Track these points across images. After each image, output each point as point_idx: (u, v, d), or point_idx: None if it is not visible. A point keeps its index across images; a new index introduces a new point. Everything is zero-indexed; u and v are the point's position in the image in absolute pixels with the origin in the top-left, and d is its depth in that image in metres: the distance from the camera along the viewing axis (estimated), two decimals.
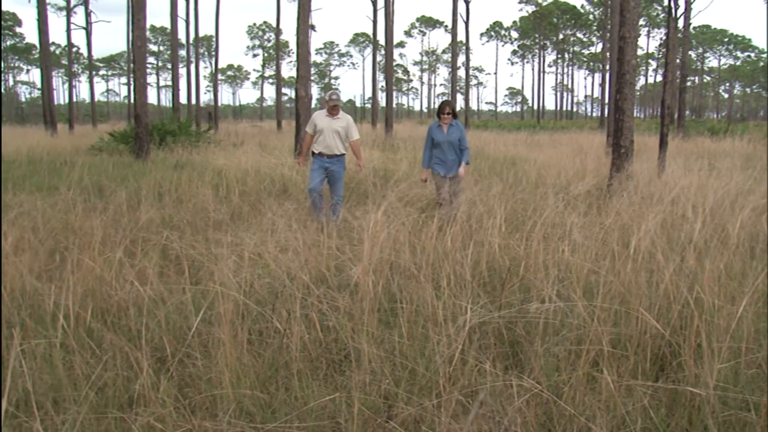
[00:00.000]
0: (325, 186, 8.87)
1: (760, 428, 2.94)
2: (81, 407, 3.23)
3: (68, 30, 40.67)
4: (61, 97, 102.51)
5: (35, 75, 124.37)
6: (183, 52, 46.90)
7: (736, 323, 3.71)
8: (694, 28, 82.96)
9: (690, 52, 75.72)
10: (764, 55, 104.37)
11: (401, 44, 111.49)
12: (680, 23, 38.43)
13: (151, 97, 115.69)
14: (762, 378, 3.47)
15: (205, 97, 69.36)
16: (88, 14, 44.28)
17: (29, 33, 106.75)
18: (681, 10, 38.65)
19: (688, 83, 55.88)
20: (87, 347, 3.81)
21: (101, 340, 3.94)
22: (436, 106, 10.56)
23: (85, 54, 61.46)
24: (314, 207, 8.56)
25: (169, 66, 56.28)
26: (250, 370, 3.52)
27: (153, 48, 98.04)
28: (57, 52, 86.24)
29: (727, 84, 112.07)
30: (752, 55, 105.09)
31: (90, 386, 3.37)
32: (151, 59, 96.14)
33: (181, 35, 42.79)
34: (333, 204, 8.70)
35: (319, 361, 3.88)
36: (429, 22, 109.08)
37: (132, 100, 35.40)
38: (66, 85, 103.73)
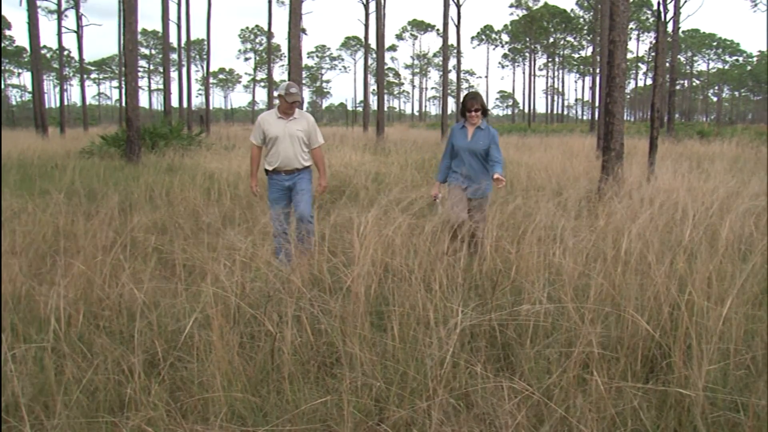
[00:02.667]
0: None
1: (749, 428, 2.96)
2: (71, 411, 3.22)
3: (59, 33, 40.54)
4: (52, 100, 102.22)
5: (26, 78, 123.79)
6: (174, 56, 46.85)
7: (725, 325, 3.74)
8: (683, 32, 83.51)
9: (679, 56, 76.08)
10: (752, 59, 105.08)
11: (393, 48, 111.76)
12: (669, 27, 38.66)
13: (143, 101, 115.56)
14: (751, 379, 3.50)
15: (197, 101, 69.38)
16: (79, 17, 44.17)
17: (20, 36, 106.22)
18: (670, 15, 38.87)
19: (678, 87, 56.17)
20: (78, 351, 3.80)
21: (92, 344, 3.93)
22: (463, 99, 6.34)
23: (77, 57, 61.31)
24: (278, 250, 6.25)
25: (161, 69, 56.18)
26: (241, 374, 3.52)
27: (144, 51, 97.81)
28: (48, 55, 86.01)
29: (716, 87, 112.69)
30: (740, 59, 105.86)
31: (81, 390, 3.37)
32: (142, 63, 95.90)
33: (173, 39, 42.90)
34: (300, 234, 6.34)
35: (310, 364, 3.89)
36: (420, 26, 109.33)
37: (123, 104, 35.31)
38: (57, 89, 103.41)
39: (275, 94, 6.54)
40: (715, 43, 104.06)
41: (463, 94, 35.54)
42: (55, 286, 4.34)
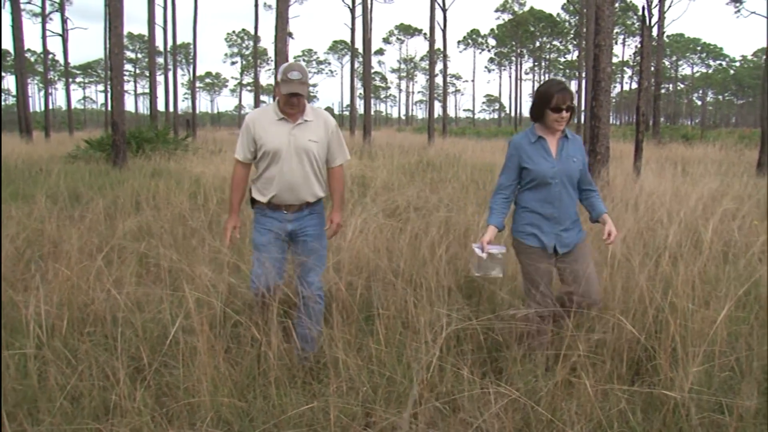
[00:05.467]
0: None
1: (733, 429, 2.99)
2: (55, 418, 3.19)
3: (44, 37, 40.29)
4: (36, 104, 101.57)
5: (10, 82, 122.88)
6: (161, 60, 46.76)
7: (710, 327, 3.77)
8: (668, 36, 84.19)
9: (664, 60, 76.67)
10: (735, 64, 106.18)
11: (380, 51, 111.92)
12: (654, 32, 38.98)
13: (129, 105, 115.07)
14: (735, 380, 3.53)
15: (183, 105, 69.19)
16: (64, 21, 43.90)
17: (3, 39, 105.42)
18: (655, 19, 39.23)
19: (663, 90, 56.64)
20: (62, 357, 3.77)
21: (77, 350, 3.90)
22: (544, 91, 3.90)
23: (62, 61, 60.98)
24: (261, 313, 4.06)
25: (147, 73, 56.00)
26: (227, 379, 3.50)
27: (130, 55, 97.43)
28: (32, 59, 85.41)
29: (700, 91, 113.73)
30: (723, 63, 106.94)
31: (65, 397, 3.34)
32: (128, 66, 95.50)
33: (159, 42, 42.69)
34: (309, 310, 4.20)
35: (296, 369, 3.88)
36: (407, 30, 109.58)
37: (109, 108, 35.18)
38: (42, 93, 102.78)
39: (278, 78, 4.03)
40: (699, 48, 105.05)
41: (449, 98, 35.46)
42: (37, 292, 4.31)
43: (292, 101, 3.99)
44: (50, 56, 78.08)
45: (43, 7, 41.12)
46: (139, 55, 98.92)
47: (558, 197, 3.91)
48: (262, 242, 4.17)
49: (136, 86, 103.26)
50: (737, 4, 64.43)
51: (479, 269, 3.98)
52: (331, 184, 4.38)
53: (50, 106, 43.48)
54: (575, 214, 4.03)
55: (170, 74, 43.38)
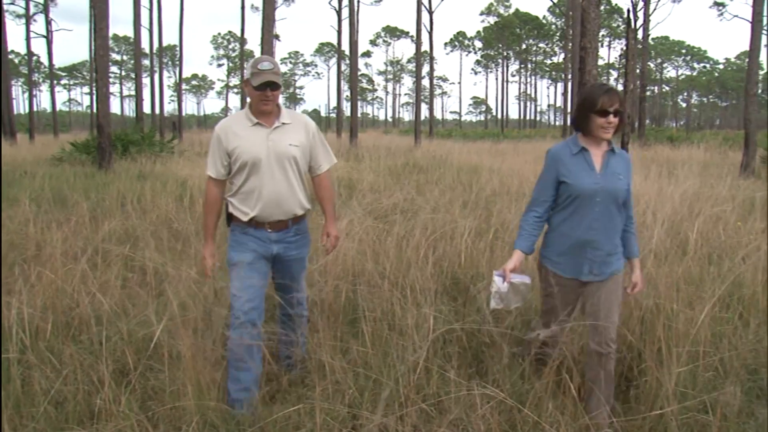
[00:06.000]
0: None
1: (717, 429, 3.01)
2: (39, 423, 3.17)
3: (27, 38, 39.99)
4: (21, 106, 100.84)
5: None
6: (147, 62, 46.41)
7: (694, 327, 3.80)
8: (653, 39, 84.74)
9: (649, 63, 77.32)
10: (719, 66, 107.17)
11: (367, 54, 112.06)
12: (639, 34, 39.26)
13: (115, 107, 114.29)
14: (719, 380, 3.56)
15: (170, 107, 68.93)
16: (48, 22, 43.62)
17: None
18: (640, 22, 39.52)
19: (648, 93, 57.04)
20: (47, 361, 3.75)
21: (61, 354, 3.87)
22: (587, 94, 3.38)
23: (46, 63, 60.53)
24: (242, 353, 3.53)
25: (133, 75, 55.69)
26: (213, 382, 3.49)
27: (116, 57, 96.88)
28: (16, 60, 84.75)
29: (685, 93, 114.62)
30: (707, 66, 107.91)
31: (49, 401, 3.32)
32: (114, 68, 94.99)
33: (145, 44, 42.44)
34: (295, 326, 3.98)
35: (283, 371, 3.88)
36: (394, 32, 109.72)
37: (95, 110, 34.95)
38: (26, 95, 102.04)
39: (247, 75, 3.61)
40: (683, 51, 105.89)
41: (436, 100, 35.48)
42: (20, 296, 4.27)
43: (267, 94, 3.51)
44: (34, 58, 77.53)
45: (27, 8, 40.86)
46: (125, 57, 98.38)
47: (599, 219, 3.34)
48: (241, 260, 3.60)
49: (121, 88, 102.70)
50: (720, 8, 65.18)
51: (499, 302, 3.43)
52: (319, 193, 3.94)
53: (35, 108, 43.12)
54: (618, 242, 3.46)
55: (156, 76, 43.17)
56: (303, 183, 3.77)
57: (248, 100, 3.70)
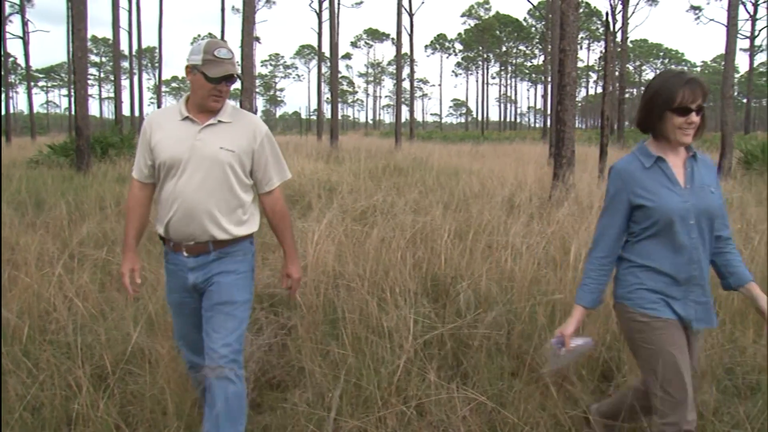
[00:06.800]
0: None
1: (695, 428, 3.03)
2: (14, 430, 3.13)
3: (3, 39, 39.53)
4: None
5: None
6: (126, 64, 46.11)
7: None
8: (632, 41, 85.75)
9: (628, 65, 78.06)
10: (696, 69, 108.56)
11: (347, 56, 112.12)
12: (618, 37, 39.62)
13: (93, 109, 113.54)
14: (695, 378, 3.58)
15: (149, 109, 68.36)
16: (24, 23, 43.17)
17: None
18: (619, 25, 39.89)
19: (627, 95, 57.62)
20: (23, 366, 3.70)
21: (38, 359, 3.83)
22: (660, 85, 2.53)
23: (23, 64, 59.88)
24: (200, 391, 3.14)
25: (112, 77, 55.29)
26: (189, 391, 3.46)
27: (95, 59, 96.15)
28: None
29: None
30: (685, 68, 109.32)
31: (24, 407, 3.27)
32: (92, 70, 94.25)
33: (124, 46, 42.23)
34: (212, 397, 2.76)
35: (260, 377, 3.86)
36: (375, 35, 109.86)
37: (73, 112, 34.62)
38: (2, 97, 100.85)
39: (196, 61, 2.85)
40: (661, 53, 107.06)
41: (417, 102, 35.53)
42: None
43: (221, 89, 2.85)
44: (11, 59, 76.62)
45: (2, 9, 40.37)
46: (104, 59, 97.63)
47: (695, 248, 2.54)
48: (175, 301, 3.06)
49: (100, 90, 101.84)
50: (697, 12, 66.06)
51: (554, 363, 2.79)
52: (270, 218, 3.08)
53: (11, 110, 42.64)
54: (706, 274, 2.62)
55: (135, 78, 42.91)
56: (235, 201, 2.92)
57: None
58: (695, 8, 68.58)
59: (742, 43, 53.57)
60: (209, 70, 2.80)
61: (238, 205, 2.94)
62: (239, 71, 2.91)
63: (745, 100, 56.96)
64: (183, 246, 2.92)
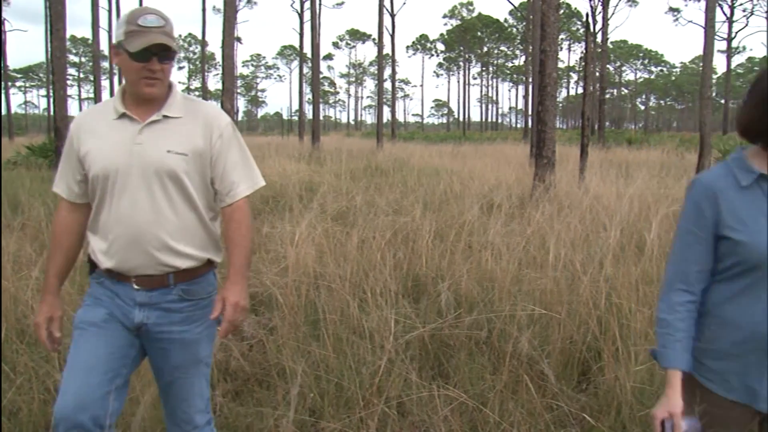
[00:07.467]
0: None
1: None
2: None
3: None
4: None
5: None
6: (106, 64, 45.78)
7: (651, 327, 3.86)
8: (612, 42, 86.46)
9: (608, 66, 78.65)
10: (675, 70, 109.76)
11: (329, 56, 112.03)
12: (599, 38, 39.89)
13: (73, 110, 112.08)
14: None
15: None
16: (1, 22, 42.67)
17: None
18: (599, 26, 40.17)
19: (607, 95, 58.07)
20: None
21: (15, 363, 3.78)
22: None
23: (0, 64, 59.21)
24: None
25: (91, 77, 54.81)
26: None
27: (74, 59, 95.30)
28: None
29: (643, 96, 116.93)
30: (664, 69, 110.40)
31: (2, 412, 3.23)
32: (72, 70, 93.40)
33: (104, 46, 41.87)
34: None
35: (241, 377, 3.84)
36: (357, 35, 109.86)
37: (52, 113, 34.33)
38: None
39: (119, 37, 2.18)
40: (641, 54, 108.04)
41: (398, 102, 35.56)
42: None
43: (153, 67, 2.14)
44: None
45: None
46: (83, 59, 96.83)
47: None
48: (86, 319, 2.25)
49: (80, 91, 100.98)
50: (675, 13, 66.83)
51: None
52: (227, 231, 2.30)
53: None
54: None
55: (115, 79, 42.56)
56: (199, 218, 2.28)
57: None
58: (674, 10, 69.61)
59: (720, 45, 54.27)
60: (130, 44, 2.11)
61: (199, 224, 2.28)
62: (174, 44, 2.17)
63: (723, 101, 57.59)
64: (133, 278, 2.22)
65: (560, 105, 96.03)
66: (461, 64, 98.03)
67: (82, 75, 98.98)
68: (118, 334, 2.24)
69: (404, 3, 44.44)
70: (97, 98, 35.33)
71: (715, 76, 58.11)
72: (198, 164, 2.24)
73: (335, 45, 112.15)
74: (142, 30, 2.10)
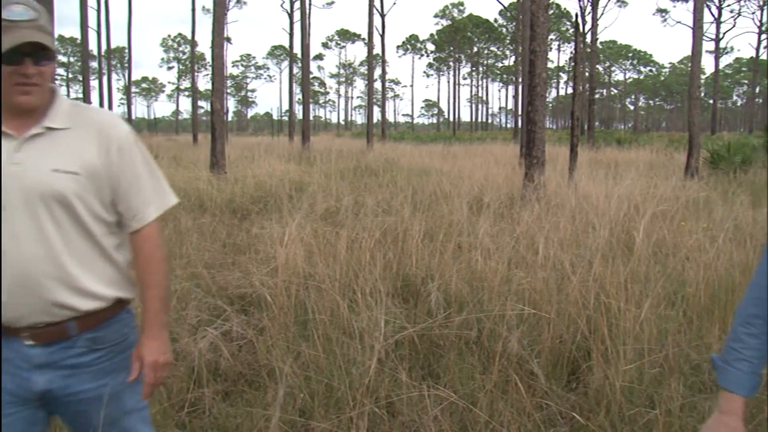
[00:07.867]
0: None
1: (662, 423, 3.07)
2: None
3: None
4: None
5: None
6: (94, 64, 45.52)
7: (640, 326, 3.88)
8: (601, 43, 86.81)
9: (598, 66, 79.02)
10: (664, 70, 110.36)
11: (319, 56, 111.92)
12: (588, 38, 40.02)
13: None
14: (663, 376, 3.63)
15: (119, 110, 67.62)
16: None
17: None
18: (588, 26, 40.30)
19: (597, 95, 58.27)
20: None
21: None
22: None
23: None
24: None
25: (80, 78, 54.51)
26: (160, 392, 3.42)
27: (62, 59, 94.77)
28: None
29: (633, 96, 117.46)
30: (653, 69, 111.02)
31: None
32: (60, 71, 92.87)
33: (93, 46, 41.59)
34: None
35: (231, 377, 3.83)
36: (346, 35, 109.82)
37: None
38: None
39: None
40: (630, 54, 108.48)
41: (388, 103, 35.58)
42: None
43: (27, 71, 1.70)
44: None
45: None
46: (72, 59, 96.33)
47: None
48: None
49: (68, 91, 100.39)
50: (664, 14, 67.22)
51: None
52: (136, 269, 1.95)
53: None
54: None
55: (105, 79, 42.33)
56: (98, 248, 1.86)
57: None
58: (662, 11, 70.04)
59: (708, 45, 54.53)
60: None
61: (100, 255, 1.86)
62: (50, 41, 1.74)
63: (711, 101, 57.92)
64: (23, 330, 1.77)
65: (550, 105, 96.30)
66: (451, 64, 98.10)
67: (70, 75, 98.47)
68: (13, 420, 1.77)
69: (394, 3, 44.55)
70: (85, 98, 35.11)
71: (703, 77, 58.51)
72: (93, 184, 1.81)
73: (325, 45, 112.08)
74: (9, 25, 1.67)
